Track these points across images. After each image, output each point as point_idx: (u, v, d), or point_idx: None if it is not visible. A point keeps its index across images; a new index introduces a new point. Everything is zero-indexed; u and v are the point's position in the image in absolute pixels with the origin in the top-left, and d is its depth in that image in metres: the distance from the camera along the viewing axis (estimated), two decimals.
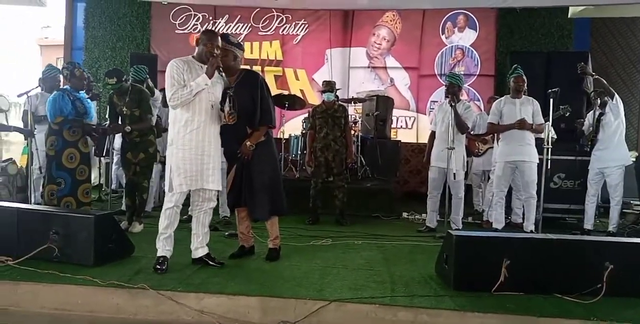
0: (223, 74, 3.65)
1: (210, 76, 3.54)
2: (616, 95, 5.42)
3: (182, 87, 3.53)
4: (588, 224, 5.59)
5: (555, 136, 5.54)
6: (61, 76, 5.59)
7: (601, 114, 5.46)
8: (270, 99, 3.94)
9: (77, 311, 3.24)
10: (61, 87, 5.05)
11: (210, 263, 3.83)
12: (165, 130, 6.55)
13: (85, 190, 4.83)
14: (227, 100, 3.67)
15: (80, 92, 4.90)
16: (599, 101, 5.51)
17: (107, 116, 5.13)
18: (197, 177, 3.66)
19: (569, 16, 7.91)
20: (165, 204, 3.71)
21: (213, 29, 9.05)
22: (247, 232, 4.18)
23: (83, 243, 3.66)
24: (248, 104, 3.78)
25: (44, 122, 5.29)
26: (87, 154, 4.93)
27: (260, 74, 4.08)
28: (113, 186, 6.56)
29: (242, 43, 4.00)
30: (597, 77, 5.43)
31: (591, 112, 5.63)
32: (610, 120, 5.40)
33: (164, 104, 6.84)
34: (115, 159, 6.33)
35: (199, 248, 3.87)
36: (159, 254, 3.72)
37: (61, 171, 4.69)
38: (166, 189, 3.72)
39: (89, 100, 5.22)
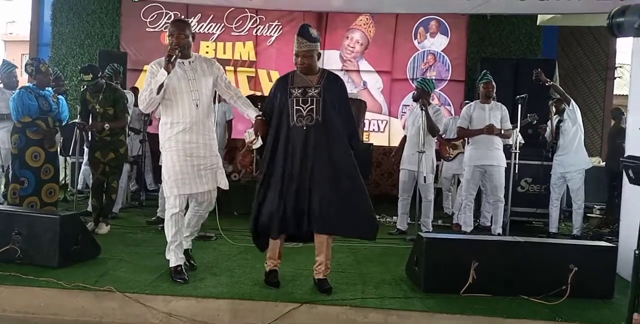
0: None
1: (166, 69, 3.27)
2: (572, 101, 5.59)
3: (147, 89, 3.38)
4: (553, 228, 5.72)
5: (522, 141, 5.67)
6: (17, 72, 5.44)
7: (560, 121, 5.63)
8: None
9: (41, 314, 3.15)
10: (25, 84, 4.91)
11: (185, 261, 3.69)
12: (136, 131, 6.49)
13: (49, 190, 4.72)
14: (311, 102, 3.30)
15: (46, 89, 4.77)
16: (554, 109, 5.70)
17: (78, 113, 4.96)
18: (187, 181, 3.45)
19: (537, 24, 8.11)
20: (169, 210, 3.50)
21: None
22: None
23: (47, 244, 3.56)
24: (336, 108, 3.37)
25: (4, 119, 5.15)
26: (54, 153, 4.81)
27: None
28: (79, 186, 6.40)
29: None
30: (552, 83, 5.60)
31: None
32: (568, 126, 5.57)
33: (134, 103, 6.80)
34: (85, 158, 6.18)
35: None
36: (174, 263, 3.51)
37: (24, 169, 4.57)
38: (165, 194, 3.55)
39: (62, 98, 5.09)
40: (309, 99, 3.32)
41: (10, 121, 4.96)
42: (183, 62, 3.47)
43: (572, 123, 5.56)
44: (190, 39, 3.49)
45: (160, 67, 3.32)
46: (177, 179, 3.44)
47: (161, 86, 3.30)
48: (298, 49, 3.33)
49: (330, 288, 3.39)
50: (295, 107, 3.32)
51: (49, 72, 4.81)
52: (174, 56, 3.29)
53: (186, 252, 3.71)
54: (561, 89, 5.59)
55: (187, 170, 3.45)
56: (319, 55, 3.40)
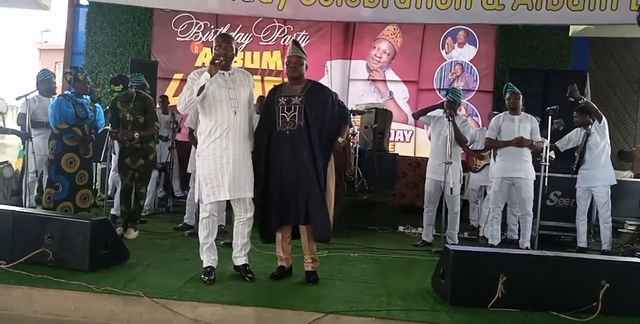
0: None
1: (210, 72, 3.47)
2: (604, 118, 5.51)
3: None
4: (581, 242, 5.61)
5: (553, 157, 5.57)
6: (55, 80, 5.58)
7: (587, 135, 5.55)
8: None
9: (71, 316, 3.21)
10: (63, 91, 5.04)
11: (242, 274, 3.75)
12: (164, 138, 6.60)
13: (83, 195, 4.83)
14: (294, 109, 3.64)
15: (83, 96, 4.90)
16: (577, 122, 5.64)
17: (108, 121, 5.09)
18: (224, 188, 3.58)
19: (569, 35, 7.99)
20: (201, 214, 3.70)
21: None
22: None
23: (78, 248, 3.63)
24: (318, 114, 3.69)
25: (40, 126, 5.29)
26: (89, 160, 4.92)
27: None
28: (109, 192, 6.53)
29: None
30: (586, 101, 5.52)
31: (575, 130, 5.71)
32: (596, 141, 5.50)
33: (163, 111, 6.92)
34: (114, 164, 6.30)
35: (237, 257, 3.82)
36: (205, 264, 3.68)
37: (60, 175, 4.69)
38: (200, 199, 3.72)
39: (99, 106, 5.20)
40: (293, 106, 3.68)
41: (46, 128, 5.10)
42: (224, 73, 3.65)
43: (601, 138, 5.51)
44: (234, 52, 3.71)
45: (200, 75, 3.51)
46: (212, 186, 3.59)
47: (202, 87, 3.48)
48: (291, 53, 3.75)
49: (317, 278, 3.76)
50: (280, 114, 3.69)
51: (87, 80, 4.94)
52: (219, 61, 3.52)
53: (244, 267, 3.78)
54: (594, 106, 5.52)
55: (223, 177, 3.58)
56: (307, 67, 3.80)
